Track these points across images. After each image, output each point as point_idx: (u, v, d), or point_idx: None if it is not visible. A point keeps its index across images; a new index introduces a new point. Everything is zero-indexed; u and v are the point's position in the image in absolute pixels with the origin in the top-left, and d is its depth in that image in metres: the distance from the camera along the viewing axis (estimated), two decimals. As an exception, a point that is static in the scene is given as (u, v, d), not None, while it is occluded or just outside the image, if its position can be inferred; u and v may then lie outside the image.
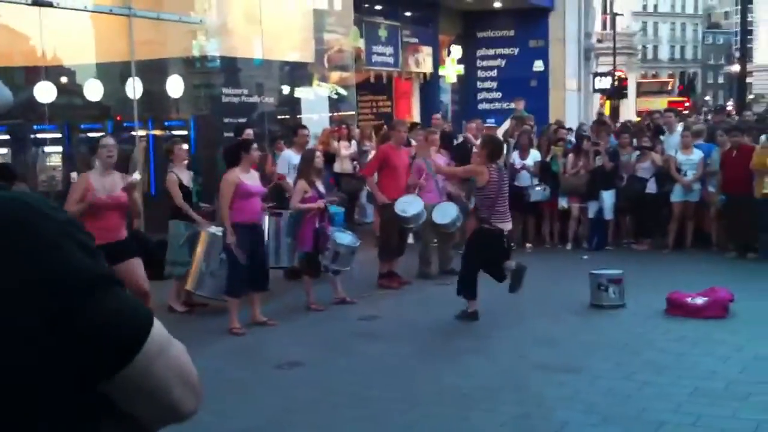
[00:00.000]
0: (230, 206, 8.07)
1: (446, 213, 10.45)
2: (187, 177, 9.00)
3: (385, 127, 13.78)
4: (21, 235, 1.12)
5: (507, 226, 8.41)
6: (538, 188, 12.67)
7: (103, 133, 11.62)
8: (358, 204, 14.35)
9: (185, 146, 9.57)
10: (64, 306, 1.12)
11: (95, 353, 1.16)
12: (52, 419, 1.14)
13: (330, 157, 12.66)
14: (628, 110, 40.84)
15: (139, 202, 7.81)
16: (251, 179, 8.30)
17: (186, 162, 9.15)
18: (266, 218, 9.10)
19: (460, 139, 13.86)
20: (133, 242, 7.60)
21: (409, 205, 10.07)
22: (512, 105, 17.75)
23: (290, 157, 10.44)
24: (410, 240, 11.81)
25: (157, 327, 1.24)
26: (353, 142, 14.27)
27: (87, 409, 1.18)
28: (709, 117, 18.48)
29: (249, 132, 10.28)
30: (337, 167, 13.58)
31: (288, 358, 7.26)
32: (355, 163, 13.76)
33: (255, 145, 8.55)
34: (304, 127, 11.33)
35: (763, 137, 12.25)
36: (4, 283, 1.09)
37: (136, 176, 7.47)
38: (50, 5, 9.60)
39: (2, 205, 1.14)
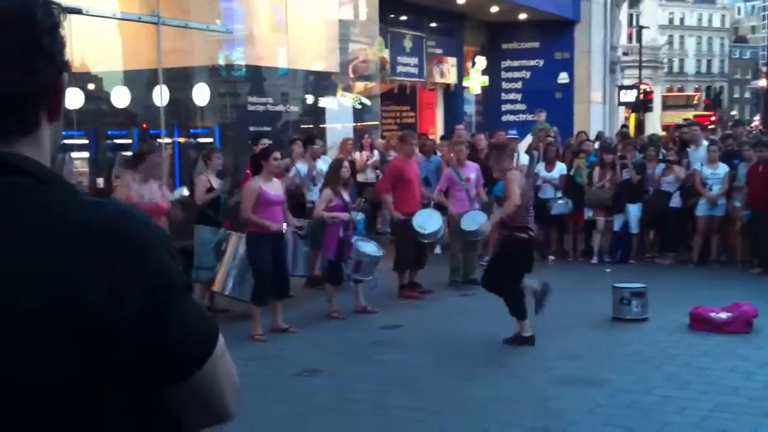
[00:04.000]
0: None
1: (474, 220, 10.47)
2: (218, 183, 9.14)
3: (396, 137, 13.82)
4: (123, 239, 1.17)
5: (533, 232, 8.15)
6: (560, 201, 12.63)
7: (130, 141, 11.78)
8: (381, 213, 14.37)
9: (220, 156, 9.69)
10: (159, 308, 1.17)
11: (176, 356, 1.20)
12: (111, 420, 1.16)
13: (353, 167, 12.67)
14: (654, 124, 40.60)
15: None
16: (273, 188, 8.33)
17: (219, 170, 9.33)
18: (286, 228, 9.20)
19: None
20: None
21: (427, 221, 10.06)
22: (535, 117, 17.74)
23: (302, 167, 10.45)
24: (437, 250, 11.82)
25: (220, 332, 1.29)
26: (375, 152, 14.29)
27: (137, 412, 1.20)
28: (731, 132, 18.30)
29: (264, 141, 10.32)
30: (361, 177, 13.61)
31: (307, 365, 7.29)
32: (378, 172, 13.78)
33: (277, 154, 8.57)
34: (316, 138, 11.38)
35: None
36: (105, 283, 1.14)
37: (185, 192, 7.68)
38: (79, 12, 9.68)
39: (106, 212, 1.20)
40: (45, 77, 1.21)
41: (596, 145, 14.51)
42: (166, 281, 1.19)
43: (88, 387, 1.13)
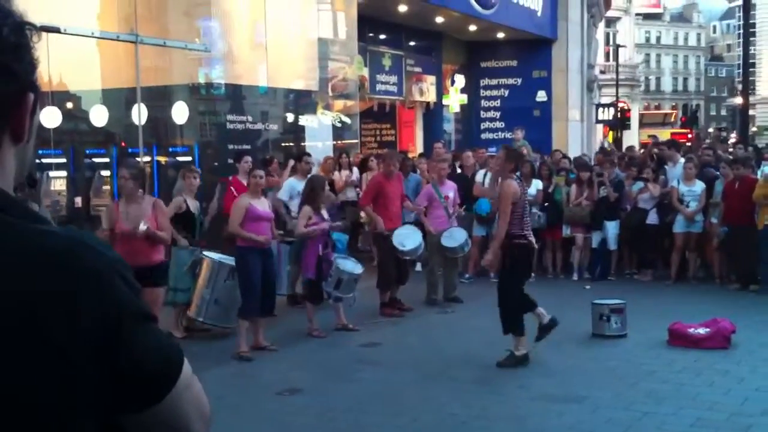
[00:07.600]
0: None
1: (454, 237, 10.54)
2: (194, 205, 9.08)
3: (371, 157, 13.93)
4: (74, 267, 1.15)
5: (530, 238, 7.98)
6: (532, 212, 12.63)
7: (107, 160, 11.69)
8: (362, 231, 14.35)
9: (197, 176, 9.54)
10: (110, 337, 1.15)
11: (132, 387, 1.18)
12: None
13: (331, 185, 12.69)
14: (631, 142, 40.94)
15: (163, 235, 7.59)
16: (261, 204, 8.42)
17: (195, 191, 9.24)
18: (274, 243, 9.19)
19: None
20: (163, 271, 7.82)
21: (407, 239, 10.11)
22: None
23: (294, 184, 10.48)
24: (418, 267, 11.84)
25: (186, 363, 1.26)
26: (354, 169, 14.31)
27: None
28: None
29: (248, 159, 10.36)
30: (341, 196, 13.60)
31: (288, 384, 7.25)
32: (357, 189, 13.79)
33: (259, 172, 8.59)
34: (309, 154, 11.38)
35: (766, 168, 12.27)
36: (56, 312, 1.12)
37: (142, 227, 7.42)
38: (57, 31, 9.66)
39: (59, 240, 1.17)
40: (3, 95, 1.18)
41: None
42: (119, 309, 1.16)
43: (49, 415, 1.11)
